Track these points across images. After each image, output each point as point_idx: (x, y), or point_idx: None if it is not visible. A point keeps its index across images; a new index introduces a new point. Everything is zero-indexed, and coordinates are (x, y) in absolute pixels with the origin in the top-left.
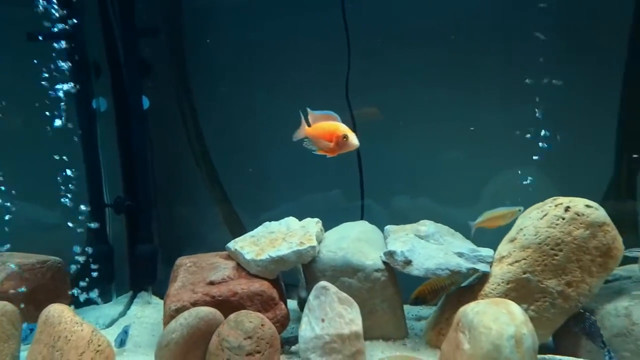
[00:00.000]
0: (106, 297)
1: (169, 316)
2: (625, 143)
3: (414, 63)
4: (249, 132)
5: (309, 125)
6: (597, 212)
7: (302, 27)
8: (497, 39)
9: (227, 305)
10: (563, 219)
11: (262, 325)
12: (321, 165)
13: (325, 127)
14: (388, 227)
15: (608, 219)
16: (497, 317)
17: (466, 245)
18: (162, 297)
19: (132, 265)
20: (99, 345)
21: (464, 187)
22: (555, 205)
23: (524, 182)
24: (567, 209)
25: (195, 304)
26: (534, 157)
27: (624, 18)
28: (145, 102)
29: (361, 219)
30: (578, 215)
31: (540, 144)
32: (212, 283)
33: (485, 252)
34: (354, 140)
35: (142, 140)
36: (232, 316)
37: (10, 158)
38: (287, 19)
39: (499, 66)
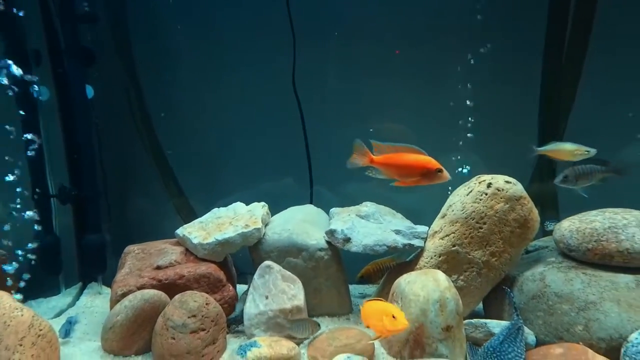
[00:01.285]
0: (54, 289)
1: (115, 301)
2: (545, 130)
3: (357, 55)
4: (200, 121)
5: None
6: (515, 187)
7: (249, 16)
8: (429, 32)
9: (174, 288)
10: (486, 194)
11: (206, 304)
12: (273, 155)
13: (412, 160)
14: (333, 210)
15: (525, 193)
16: (425, 285)
17: (404, 224)
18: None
19: (81, 256)
20: (41, 330)
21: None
22: (479, 182)
23: (460, 169)
24: (489, 185)
25: (141, 288)
26: (467, 148)
27: (542, 11)
28: (90, 91)
29: (310, 204)
30: (499, 190)
31: (469, 134)
32: (159, 267)
33: (421, 228)
34: (447, 174)
35: (87, 129)
36: (177, 297)
37: None
38: (234, 8)
39: (433, 57)
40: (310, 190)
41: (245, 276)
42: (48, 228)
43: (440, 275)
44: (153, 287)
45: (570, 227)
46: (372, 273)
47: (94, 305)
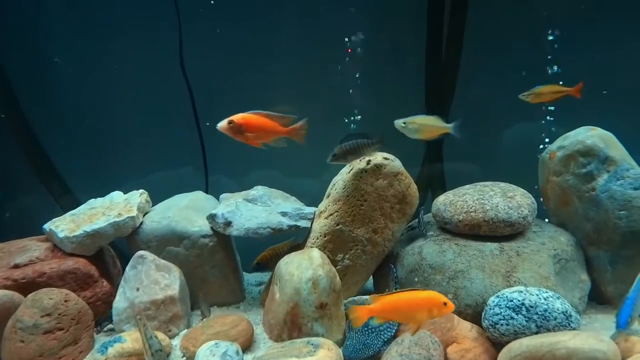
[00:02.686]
0: None
1: None
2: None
3: (246, 35)
4: (82, 109)
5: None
6: (393, 163)
7: None
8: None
9: (33, 288)
10: (366, 171)
11: (65, 301)
12: (168, 142)
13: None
14: (222, 195)
15: (403, 169)
16: (299, 264)
17: (293, 206)
18: None
19: None
20: None
21: (308, 157)
22: (360, 160)
23: None
24: (368, 162)
25: None
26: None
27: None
28: None
29: (206, 191)
30: (377, 167)
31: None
32: (16, 266)
33: (308, 209)
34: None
35: None
36: (30, 296)
37: None
38: None
39: (322, 41)
40: (205, 179)
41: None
42: None
43: (315, 253)
44: (7, 288)
45: (445, 200)
46: (268, 259)
47: None
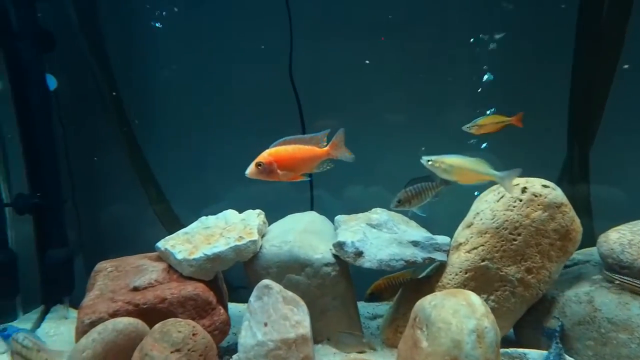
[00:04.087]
0: (10, 315)
1: (82, 332)
2: (575, 123)
3: (361, 50)
4: (184, 116)
5: None
6: (555, 192)
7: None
8: (441, 29)
9: (154, 315)
10: (520, 200)
11: (193, 334)
12: None
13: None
14: (338, 217)
15: (566, 200)
16: (456, 310)
17: (421, 234)
18: None
19: (43, 274)
20: None
21: (419, 174)
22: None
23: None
24: (524, 189)
25: (114, 315)
26: (483, 145)
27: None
28: (52, 82)
29: (311, 210)
30: (535, 196)
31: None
32: (136, 289)
33: (442, 239)
34: None
35: (49, 126)
36: (157, 326)
37: None
38: None
39: (447, 55)
40: (310, 195)
41: (238, 291)
42: (2, 242)
43: (475, 298)
44: (128, 313)
45: (620, 239)
46: (383, 289)
47: (58, 333)
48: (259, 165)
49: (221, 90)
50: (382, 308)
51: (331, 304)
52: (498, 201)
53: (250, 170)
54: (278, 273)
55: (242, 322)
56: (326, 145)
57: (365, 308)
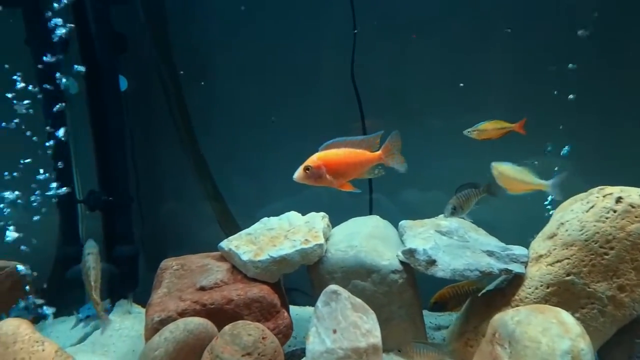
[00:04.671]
0: (79, 305)
1: (152, 329)
2: None
3: (424, 51)
4: (242, 117)
5: None
6: None
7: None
8: (511, 27)
9: (220, 315)
10: (614, 211)
11: (263, 338)
12: None
13: None
14: (403, 223)
15: None
16: (546, 328)
17: (495, 243)
18: (144, 306)
19: (110, 269)
20: None
21: (479, 179)
22: (604, 196)
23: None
24: (618, 199)
25: (182, 314)
26: (565, 148)
27: None
28: (123, 83)
29: (369, 214)
30: (632, 207)
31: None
32: (202, 289)
33: (519, 250)
34: None
35: (120, 126)
36: (227, 328)
37: None
38: None
39: (516, 57)
40: (369, 197)
41: (289, 293)
42: (73, 238)
43: (566, 316)
44: (196, 312)
45: None
46: (447, 299)
47: (123, 327)
48: (307, 169)
49: (281, 88)
50: (445, 318)
51: (397, 313)
52: (587, 211)
53: (298, 174)
54: (343, 278)
55: (309, 327)
56: (379, 149)
57: (427, 318)
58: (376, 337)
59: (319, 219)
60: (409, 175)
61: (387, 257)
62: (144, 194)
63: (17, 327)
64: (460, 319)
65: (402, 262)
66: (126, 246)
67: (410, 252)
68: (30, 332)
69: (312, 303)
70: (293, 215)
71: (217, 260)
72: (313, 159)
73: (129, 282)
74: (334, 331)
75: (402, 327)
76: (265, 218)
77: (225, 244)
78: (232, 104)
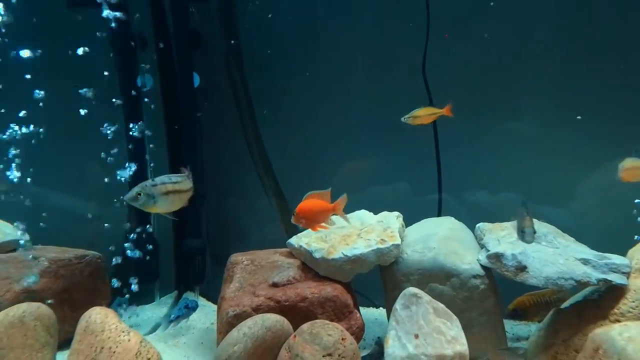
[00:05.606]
0: (148, 297)
1: (227, 323)
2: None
3: (496, 51)
4: (307, 117)
5: None
6: None
7: None
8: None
9: (294, 312)
10: None
11: (342, 339)
12: (387, 156)
13: None
14: (481, 225)
15: None
16: None
17: (589, 251)
18: (209, 299)
19: (179, 262)
20: (149, 359)
21: (557, 182)
22: None
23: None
24: None
25: (257, 309)
26: None
27: None
28: (196, 80)
29: (438, 215)
30: None
31: None
32: (275, 285)
33: (619, 259)
34: None
35: (192, 122)
36: (306, 327)
37: (43, 145)
38: None
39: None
40: (438, 198)
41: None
42: (147, 231)
43: None
44: (270, 309)
45: None
46: (528, 307)
47: (190, 319)
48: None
49: (346, 86)
50: (521, 328)
51: (477, 320)
52: None
53: (293, 219)
54: (419, 281)
55: (387, 330)
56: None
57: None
58: (463, 345)
59: (393, 219)
60: (479, 176)
61: (468, 260)
62: (209, 189)
63: (105, 316)
64: (545, 330)
65: (483, 267)
66: (195, 240)
67: (497, 257)
68: (116, 322)
69: (368, 304)
70: (364, 214)
71: (286, 256)
72: (299, 205)
73: (197, 276)
74: (416, 336)
75: (482, 335)
76: (335, 216)
77: (295, 240)
78: (297, 103)
